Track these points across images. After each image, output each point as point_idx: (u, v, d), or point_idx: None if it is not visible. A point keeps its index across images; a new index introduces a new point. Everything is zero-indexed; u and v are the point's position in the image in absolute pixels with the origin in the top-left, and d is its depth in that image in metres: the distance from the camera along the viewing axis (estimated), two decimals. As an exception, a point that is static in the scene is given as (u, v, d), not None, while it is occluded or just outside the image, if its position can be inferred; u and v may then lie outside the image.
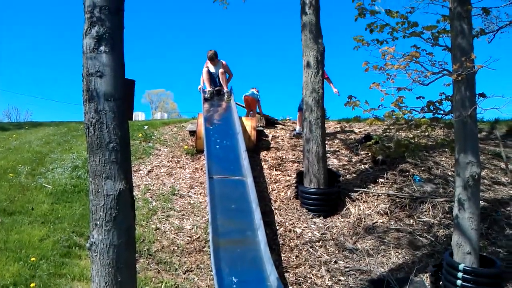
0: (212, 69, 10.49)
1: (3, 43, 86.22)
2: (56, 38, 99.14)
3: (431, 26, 5.72)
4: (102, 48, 3.34)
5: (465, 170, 5.12)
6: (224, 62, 10.57)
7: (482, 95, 5.24)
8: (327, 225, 7.13)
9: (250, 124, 9.38)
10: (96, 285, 3.41)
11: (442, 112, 5.67)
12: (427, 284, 5.73)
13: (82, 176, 8.20)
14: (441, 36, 5.73)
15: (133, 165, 7.64)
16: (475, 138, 5.21)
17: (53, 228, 6.30)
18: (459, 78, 4.99)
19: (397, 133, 7.87)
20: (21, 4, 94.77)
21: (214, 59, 10.40)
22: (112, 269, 3.37)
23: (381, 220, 7.19)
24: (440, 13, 5.78)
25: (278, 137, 9.96)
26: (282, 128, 10.58)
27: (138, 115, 24.25)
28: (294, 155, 9.12)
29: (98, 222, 3.37)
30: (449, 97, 5.61)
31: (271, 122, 10.86)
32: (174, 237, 6.57)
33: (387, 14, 5.93)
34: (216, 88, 10.62)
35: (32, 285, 4.91)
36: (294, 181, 8.03)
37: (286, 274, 5.95)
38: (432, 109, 5.67)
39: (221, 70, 10.41)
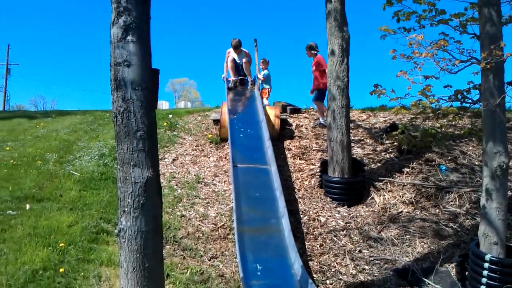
0: (237, 58, 10.51)
1: (29, 32, 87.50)
2: (83, 27, 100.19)
3: (459, 14, 5.62)
4: (129, 37, 3.35)
5: (492, 159, 5.04)
6: (246, 51, 10.60)
7: (511, 83, 5.15)
8: (352, 214, 7.11)
9: (273, 112, 9.37)
10: (124, 270, 3.47)
11: (470, 101, 5.58)
12: (452, 274, 5.69)
13: (108, 164, 8.33)
14: (469, 24, 5.62)
15: (158, 153, 7.75)
16: (503, 127, 5.11)
17: (81, 214, 6.43)
18: (488, 67, 4.90)
19: (424, 122, 7.78)
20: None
21: (238, 47, 10.41)
22: (140, 255, 3.42)
23: (406, 210, 7.13)
24: (468, 1, 5.67)
25: (301, 126, 9.94)
26: (306, 117, 10.55)
27: (162, 104, 24.52)
28: (317, 144, 9.09)
29: (126, 209, 3.42)
30: (477, 86, 5.51)
31: (294, 111, 10.84)
32: (199, 224, 6.64)
33: (414, 2, 5.84)
34: (240, 77, 10.65)
35: (61, 270, 5.03)
36: (318, 170, 8.01)
37: (310, 263, 5.97)
38: (459, 98, 5.58)
39: (244, 60, 10.42)
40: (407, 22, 5.85)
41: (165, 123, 10.34)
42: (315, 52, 9.90)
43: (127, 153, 3.40)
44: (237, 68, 10.60)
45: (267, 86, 10.70)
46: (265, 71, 10.72)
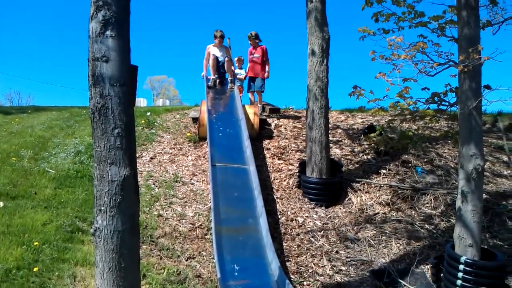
0: (218, 54, 10.41)
1: (5, 26, 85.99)
2: (60, 22, 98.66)
3: (438, 16, 5.68)
4: (108, 32, 3.29)
5: (468, 162, 5.10)
6: (227, 47, 10.55)
7: (488, 87, 5.21)
8: (329, 215, 7.13)
9: (253, 112, 9.36)
10: (100, 270, 3.41)
11: (447, 103, 5.64)
12: (428, 276, 5.74)
13: (85, 162, 8.21)
14: (447, 26, 5.69)
15: (136, 152, 7.66)
16: (479, 130, 5.18)
17: (56, 213, 6.32)
18: (465, 70, 4.96)
19: (401, 124, 7.85)
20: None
21: (222, 37, 10.34)
22: (116, 254, 3.37)
23: (382, 211, 7.19)
24: (446, 4, 5.75)
25: (280, 126, 9.94)
26: (285, 117, 10.55)
27: (140, 101, 24.31)
28: (296, 144, 9.10)
29: (102, 208, 3.36)
30: (454, 89, 5.58)
31: (273, 110, 10.84)
32: (177, 224, 6.59)
33: (393, 3, 5.89)
34: (219, 76, 10.57)
35: (35, 269, 4.93)
36: (297, 170, 8.02)
37: (288, 263, 5.97)
38: (436, 100, 5.64)
39: (227, 58, 10.36)
40: (386, 23, 5.92)
41: (143, 121, 10.24)
42: (259, 41, 10.29)
43: (104, 150, 3.34)
44: (218, 65, 10.51)
45: (239, 84, 10.73)
46: (241, 70, 10.74)
